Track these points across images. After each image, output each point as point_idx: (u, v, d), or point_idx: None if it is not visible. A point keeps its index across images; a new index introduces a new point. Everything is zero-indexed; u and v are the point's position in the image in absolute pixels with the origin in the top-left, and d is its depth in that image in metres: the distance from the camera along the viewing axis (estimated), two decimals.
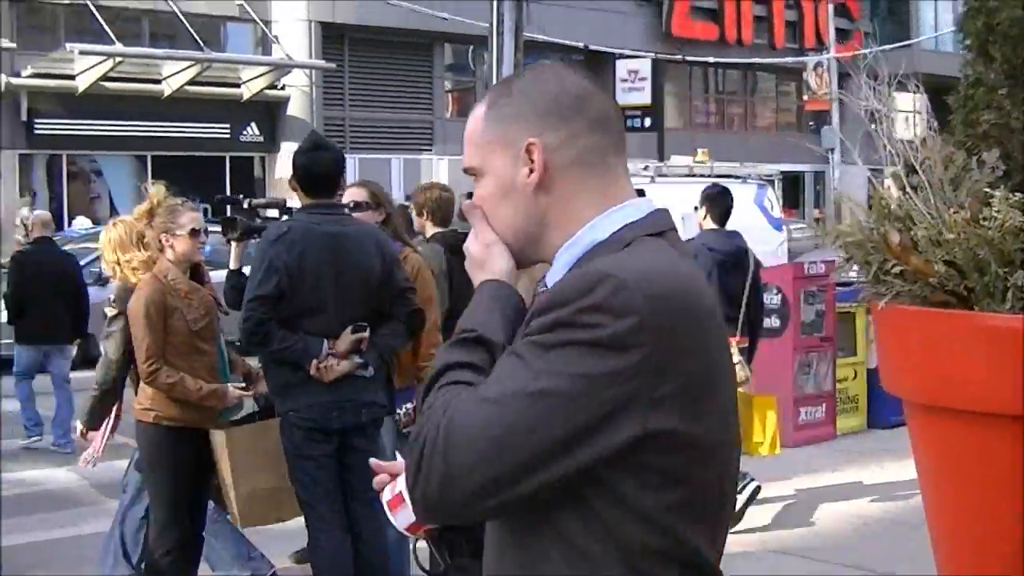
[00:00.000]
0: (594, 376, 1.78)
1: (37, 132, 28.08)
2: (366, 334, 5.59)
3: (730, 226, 8.38)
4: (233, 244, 6.34)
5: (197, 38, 29.13)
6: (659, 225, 2.00)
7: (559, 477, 1.80)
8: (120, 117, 28.37)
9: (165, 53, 28.92)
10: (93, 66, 27.36)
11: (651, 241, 1.95)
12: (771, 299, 10.53)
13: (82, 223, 23.61)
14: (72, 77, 27.72)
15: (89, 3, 27.71)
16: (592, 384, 1.78)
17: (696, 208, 8.47)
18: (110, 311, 6.15)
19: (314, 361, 5.49)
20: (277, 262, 5.45)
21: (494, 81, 8.99)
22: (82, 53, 26.72)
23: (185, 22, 28.92)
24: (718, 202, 8.34)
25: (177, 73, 28.85)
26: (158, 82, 28.93)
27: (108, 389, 6.19)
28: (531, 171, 1.99)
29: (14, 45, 27.19)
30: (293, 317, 5.50)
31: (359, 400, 5.65)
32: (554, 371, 1.79)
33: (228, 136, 30.78)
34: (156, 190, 6.14)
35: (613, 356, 1.78)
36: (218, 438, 5.86)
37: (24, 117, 27.97)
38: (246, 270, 5.89)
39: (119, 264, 6.31)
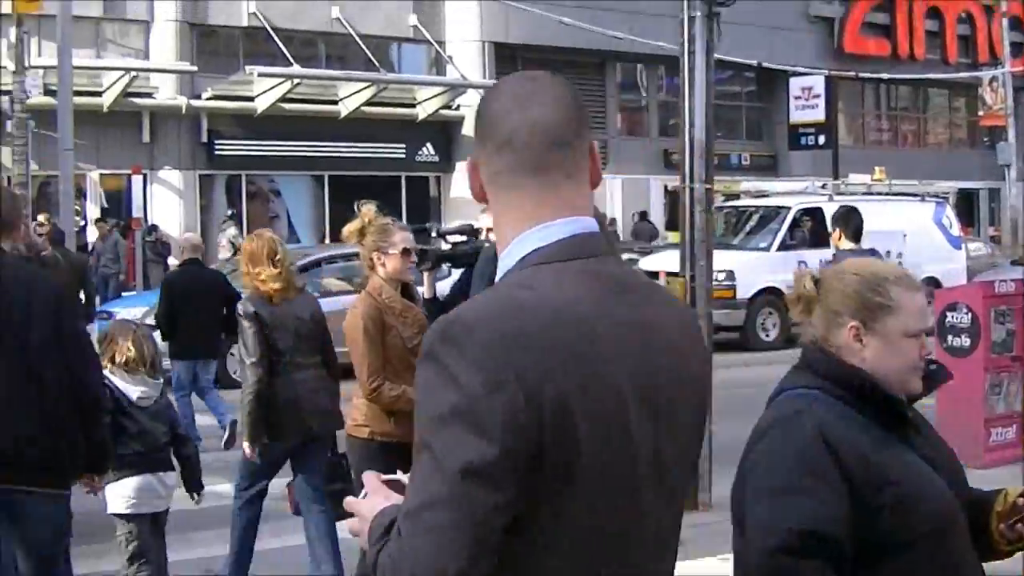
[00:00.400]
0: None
1: (217, 153, 28.89)
2: None
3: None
4: (426, 274, 6.54)
5: (372, 59, 29.60)
6: (569, 252, 1.96)
7: None
8: (298, 138, 29.00)
9: (342, 74, 29.50)
10: (271, 88, 28.07)
11: (545, 270, 1.94)
12: (960, 318, 10.27)
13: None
14: (251, 99, 28.48)
15: (267, 26, 28.40)
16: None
17: (830, 230, 8.53)
18: (244, 323, 6.59)
19: None
20: None
21: (684, 102, 8.93)
22: (260, 75, 27.43)
23: (361, 43, 29.44)
24: (850, 221, 8.49)
25: (353, 94, 29.38)
26: (335, 103, 29.50)
27: (259, 391, 6.49)
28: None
29: (195, 68, 28.02)
30: None
31: None
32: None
33: (404, 156, 31.19)
34: (367, 209, 6.22)
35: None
36: None
37: (204, 138, 28.81)
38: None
39: (250, 275, 6.73)
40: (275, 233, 7.11)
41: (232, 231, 24.78)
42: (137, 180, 26.26)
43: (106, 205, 27.32)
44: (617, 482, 1.89)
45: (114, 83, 26.89)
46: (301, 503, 6.85)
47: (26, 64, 19.17)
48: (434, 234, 6.74)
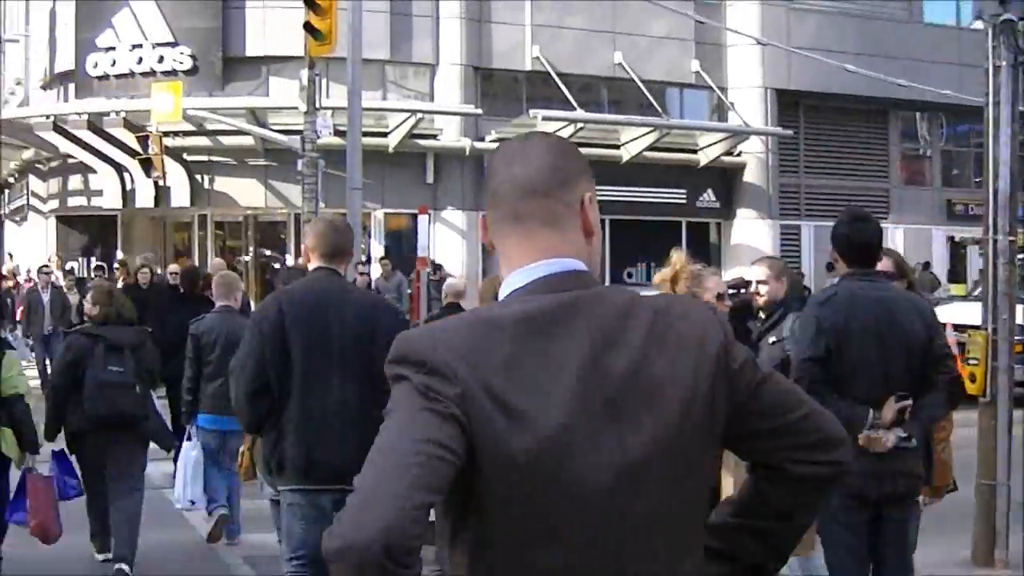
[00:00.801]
0: None
1: None
2: (909, 403, 5.56)
3: None
4: None
5: (654, 104, 29.59)
6: (543, 289, 2.19)
7: None
8: None
9: (624, 119, 29.62)
10: (555, 132, 28.32)
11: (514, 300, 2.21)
12: None
13: None
14: None
15: (550, 70, 28.76)
16: None
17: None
18: None
19: (865, 432, 5.49)
20: (825, 323, 5.57)
21: (988, 153, 8.85)
22: (544, 119, 27.75)
23: (643, 88, 29.46)
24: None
25: (635, 139, 29.43)
26: (617, 147, 29.62)
27: None
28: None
29: (479, 111, 28.61)
30: (837, 380, 5.55)
31: (898, 470, 5.61)
32: None
33: (684, 201, 31.08)
34: (678, 256, 6.21)
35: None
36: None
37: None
38: None
39: None
40: None
41: None
42: (423, 219, 26.94)
43: (386, 244, 28.26)
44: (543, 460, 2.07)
45: (400, 124, 27.76)
46: None
47: (317, 105, 19.90)
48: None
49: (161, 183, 28.03)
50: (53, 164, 33.57)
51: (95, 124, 28.01)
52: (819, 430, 2.27)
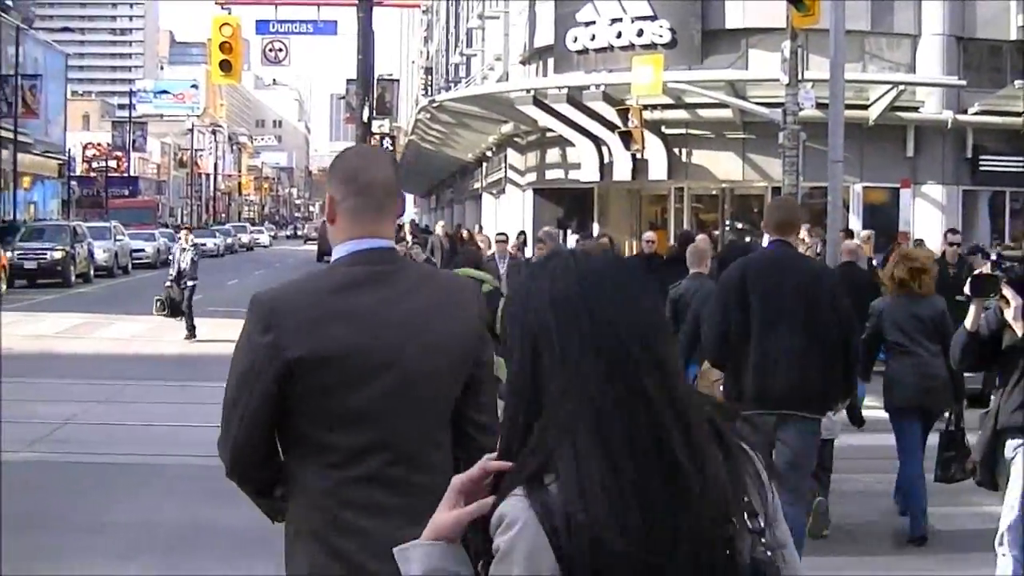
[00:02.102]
0: None
1: (982, 169, 28.98)
2: None
3: None
4: (974, 303, 6.36)
5: None
6: (356, 260, 3.25)
7: None
8: None
9: None
10: None
11: (337, 268, 3.29)
12: None
13: None
14: (1018, 114, 28.20)
15: None
16: None
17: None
18: None
19: None
20: None
21: None
22: None
23: None
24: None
25: None
26: None
27: None
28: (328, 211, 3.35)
29: (963, 82, 28.28)
30: None
31: None
32: None
33: None
34: None
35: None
36: None
37: (969, 154, 29.01)
38: None
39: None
40: None
41: None
42: (905, 194, 27.10)
43: (865, 218, 28.49)
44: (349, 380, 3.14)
45: (880, 96, 27.92)
46: None
47: (799, 77, 20.54)
48: (993, 256, 6.73)
49: (639, 156, 29.53)
50: (531, 138, 35.94)
51: (574, 98, 29.86)
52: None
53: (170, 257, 26.31)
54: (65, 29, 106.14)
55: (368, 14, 26.61)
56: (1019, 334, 5.79)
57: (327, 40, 45.85)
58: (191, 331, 23.09)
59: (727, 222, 31.38)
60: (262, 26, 27.76)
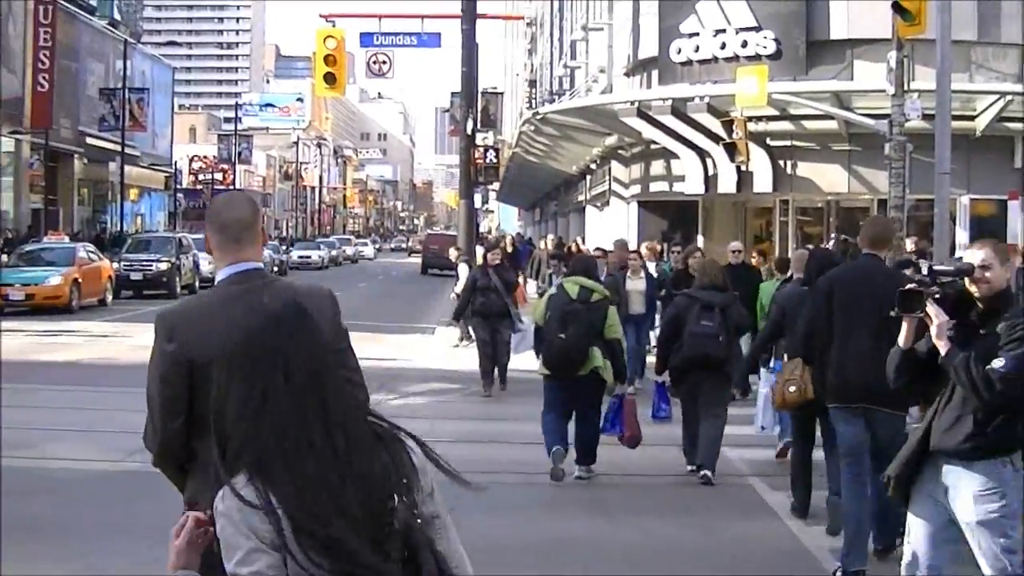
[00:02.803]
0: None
1: None
2: None
3: None
4: (905, 320, 6.05)
5: None
6: (232, 280, 4.23)
7: None
8: None
9: None
10: None
11: (219, 288, 4.29)
12: None
13: None
14: None
15: None
16: None
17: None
18: None
19: None
20: None
21: None
22: None
23: None
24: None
25: None
26: None
27: None
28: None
29: None
30: None
31: None
32: None
33: None
34: None
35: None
36: None
37: None
38: None
39: None
40: None
41: None
42: (1013, 206, 26.82)
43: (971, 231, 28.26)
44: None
45: (987, 107, 27.71)
46: None
47: (905, 88, 20.52)
48: (924, 272, 6.51)
49: (744, 168, 29.62)
50: (635, 150, 36.16)
51: (679, 109, 30.05)
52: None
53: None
54: (172, 43, 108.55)
55: (472, 27, 27.09)
56: (942, 352, 5.70)
57: (431, 53, 46.43)
58: None
59: (832, 235, 31.28)
60: (366, 39, 28.35)
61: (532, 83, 78.58)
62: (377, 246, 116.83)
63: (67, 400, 16.29)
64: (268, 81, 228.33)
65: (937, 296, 5.85)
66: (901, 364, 6.06)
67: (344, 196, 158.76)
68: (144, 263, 37.72)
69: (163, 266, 37.65)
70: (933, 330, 5.74)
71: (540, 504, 10.79)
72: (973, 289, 5.87)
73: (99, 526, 9.56)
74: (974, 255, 5.97)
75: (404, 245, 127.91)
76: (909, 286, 5.90)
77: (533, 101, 69.57)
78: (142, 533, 8.67)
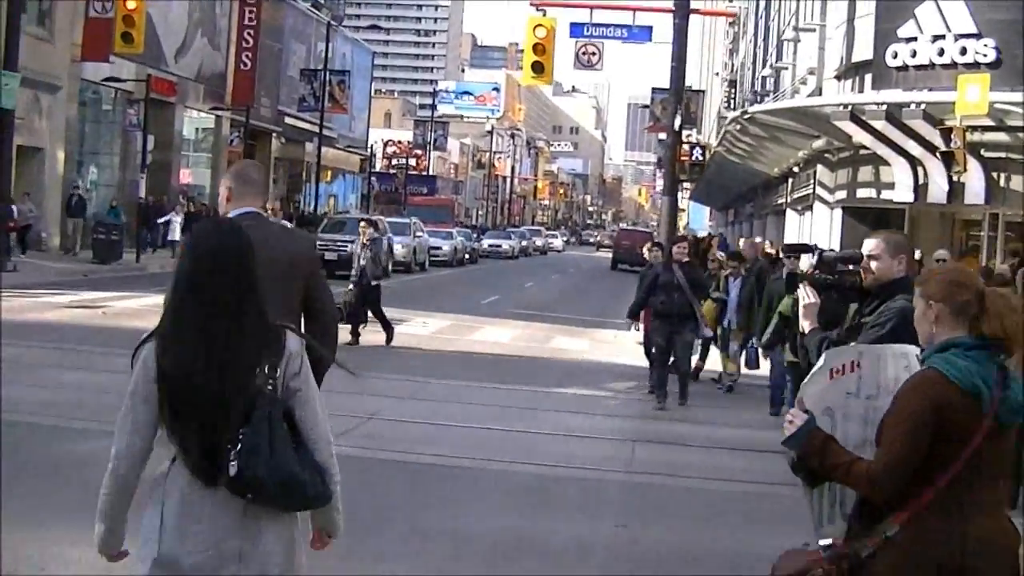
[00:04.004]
0: None
1: None
2: None
3: None
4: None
5: None
6: (241, 219, 5.51)
7: None
8: None
9: None
10: None
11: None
12: None
13: None
14: None
15: None
16: None
17: None
18: None
19: None
20: None
21: None
22: None
23: None
24: None
25: None
26: None
27: None
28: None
29: None
30: None
31: None
32: None
33: None
34: None
35: None
36: None
37: None
38: None
39: None
40: None
41: None
42: None
43: None
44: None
45: None
46: None
47: None
48: (815, 258, 6.62)
49: (958, 179, 28.92)
50: (843, 155, 35.56)
51: (893, 115, 29.44)
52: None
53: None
54: (374, 27, 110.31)
55: (684, 21, 27.01)
56: (806, 332, 5.88)
57: (628, 48, 46.35)
58: (388, 335, 21.37)
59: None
60: (576, 29, 28.45)
61: (732, 83, 77.86)
62: (566, 239, 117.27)
63: None
64: (463, 70, 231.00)
65: (820, 281, 6.27)
66: (821, 344, 6.18)
67: (535, 187, 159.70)
68: (339, 244, 38.40)
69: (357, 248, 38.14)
70: (800, 310, 5.97)
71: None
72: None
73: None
74: (866, 245, 6.24)
75: (592, 239, 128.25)
76: (794, 269, 6.56)
77: (732, 101, 68.98)
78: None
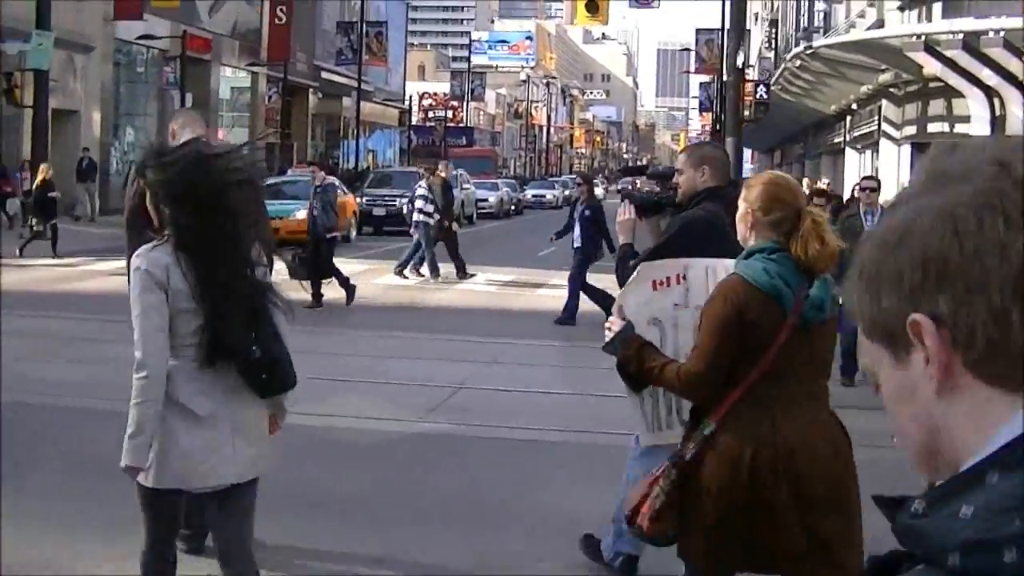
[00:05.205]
0: None
1: None
2: None
3: None
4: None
5: None
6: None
7: None
8: None
9: None
10: None
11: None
12: None
13: None
14: None
15: None
16: None
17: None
18: None
19: None
20: None
21: None
22: None
23: None
24: None
25: None
26: None
27: None
28: None
29: None
30: None
31: None
32: None
33: None
34: None
35: None
36: None
37: None
38: None
39: None
40: None
41: None
42: None
43: None
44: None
45: None
46: None
47: None
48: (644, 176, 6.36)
49: None
50: (911, 88, 34.05)
51: (970, 44, 27.90)
52: None
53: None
54: None
55: None
56: (621, 242, 5.98)
57: None
58: (348, 294, 18.37)
59: None
60: None
61: (773, 23, 76.11)
62: (604, 187, 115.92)
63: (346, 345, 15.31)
64: (492, 21, 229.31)
65: (647, 199, 6.58)
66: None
67: (571, 136, 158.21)
68: (387, 199, 37.21)
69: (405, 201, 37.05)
70: (617, 226, 6.03)
71: None
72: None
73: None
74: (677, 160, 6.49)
75: (631, 187, 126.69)
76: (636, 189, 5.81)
77: (773, 41, 67.37)
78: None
